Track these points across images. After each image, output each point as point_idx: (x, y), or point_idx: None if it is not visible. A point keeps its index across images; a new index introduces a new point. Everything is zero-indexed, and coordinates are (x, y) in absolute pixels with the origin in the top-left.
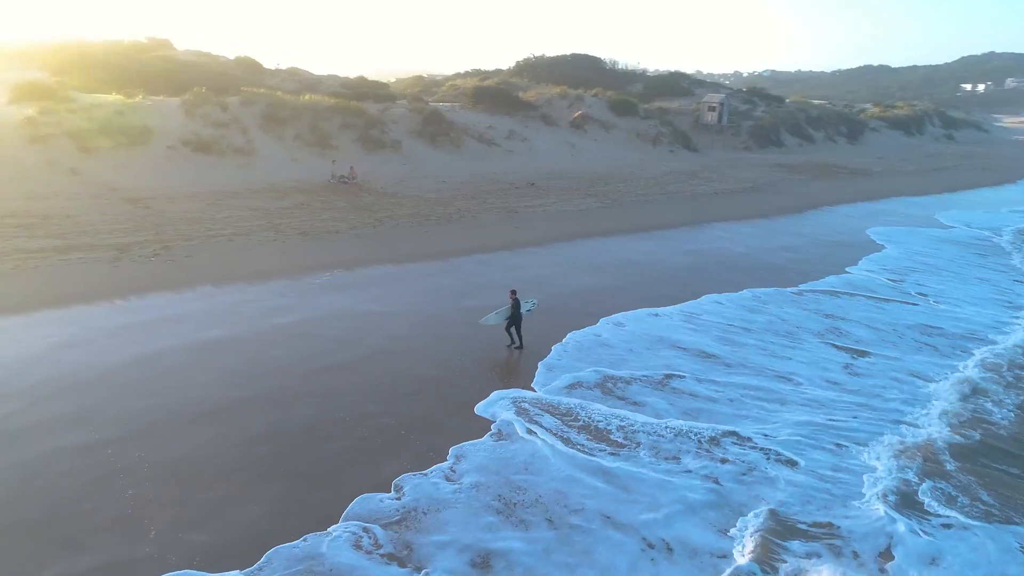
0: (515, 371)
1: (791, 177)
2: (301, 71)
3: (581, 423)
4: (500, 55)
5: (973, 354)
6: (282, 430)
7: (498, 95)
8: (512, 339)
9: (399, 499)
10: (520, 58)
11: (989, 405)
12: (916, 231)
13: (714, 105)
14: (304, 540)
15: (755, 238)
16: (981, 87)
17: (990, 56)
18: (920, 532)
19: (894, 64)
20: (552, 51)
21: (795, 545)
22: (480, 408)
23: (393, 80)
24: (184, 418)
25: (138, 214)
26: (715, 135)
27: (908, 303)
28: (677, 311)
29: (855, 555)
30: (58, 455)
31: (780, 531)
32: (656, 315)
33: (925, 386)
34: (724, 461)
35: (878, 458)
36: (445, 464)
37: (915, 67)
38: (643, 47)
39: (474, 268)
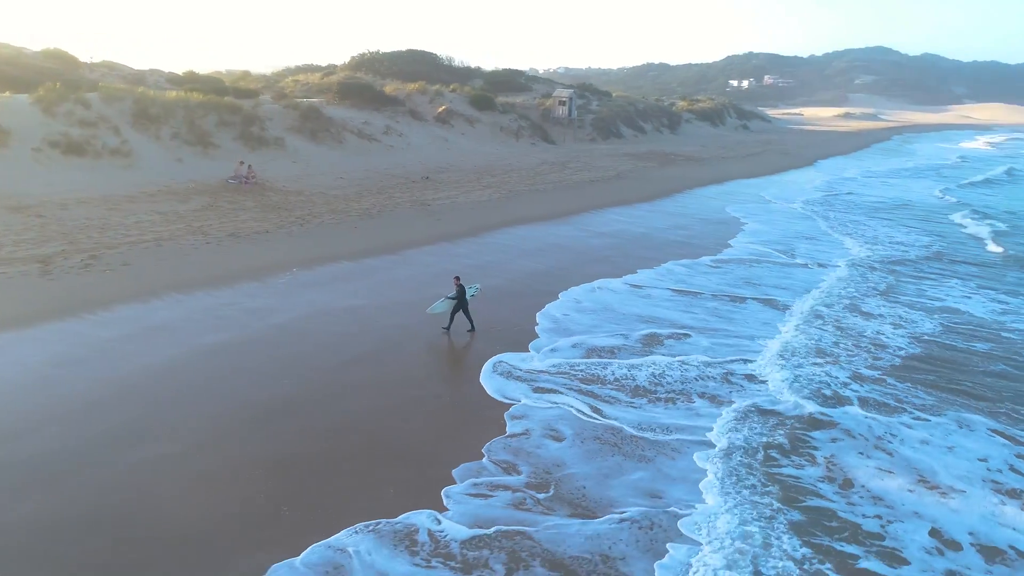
0: (519, 341)
1: (643, 165)
2: (119, 65)
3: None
4: (326, 51)
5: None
6: (356, 419)
7: (364, 90)
8: (451, 324)
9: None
10: (355, 53)
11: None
12: (765, 207)
13: (564, 100)
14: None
15: (647, 219)
16: (745, 83)
17: (750, 56)
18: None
19: (671, 63)
20: (384, 47)
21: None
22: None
23: (223, 74)
24: (247, 419)
25: (34, 224)
26: (565, 128)
27: (800, 265)
28: (622, 283)
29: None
30: (148, 467)
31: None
32: (609, 288)
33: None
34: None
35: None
36: (518, 426)
37: (690, 65)
38: (463, 43)
39: (425, 259)
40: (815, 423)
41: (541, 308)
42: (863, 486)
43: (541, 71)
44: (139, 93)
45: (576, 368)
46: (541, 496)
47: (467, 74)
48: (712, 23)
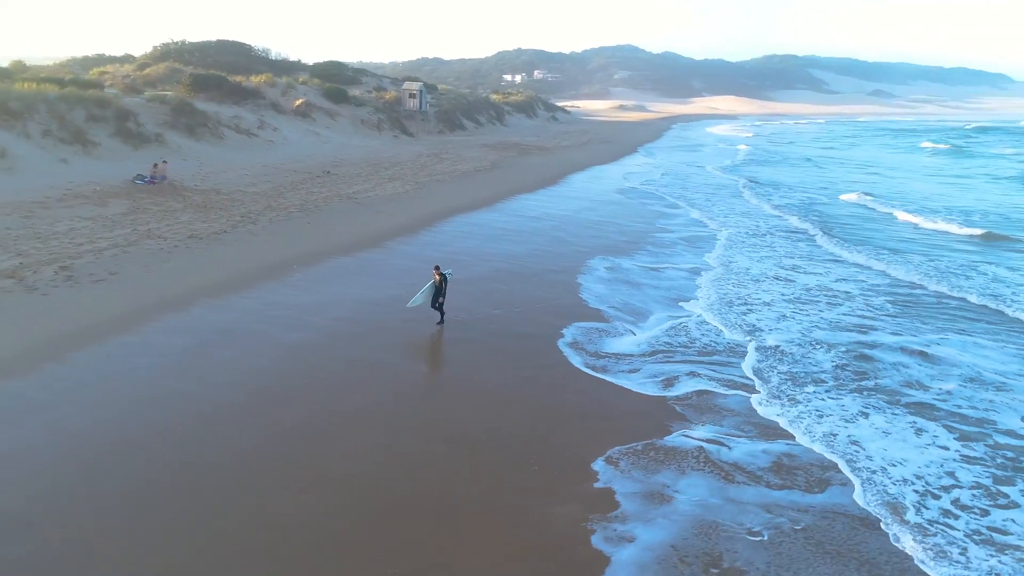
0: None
1: (505, 155)
2: None
3: None
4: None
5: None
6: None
7: (222, 83)
8: (443, 315)
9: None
10: (158, 43)
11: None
12: (651, 186)
13: (414, 93)
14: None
15: (559, 203)
16: (518, 78)
17: (519, 52)
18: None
19: (445, 57)
20: (192, 36)
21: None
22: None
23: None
24: (446, 401)
25: None
26: (417, 121)
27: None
28: (631, 261)
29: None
30: (371, 455)
31: None
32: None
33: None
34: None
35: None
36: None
37: (463, 60)
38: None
39: (408, 249)
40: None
41: (568, 284)
42: None
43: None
44: None
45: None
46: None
47: (287, 67)
48: (481, 19)
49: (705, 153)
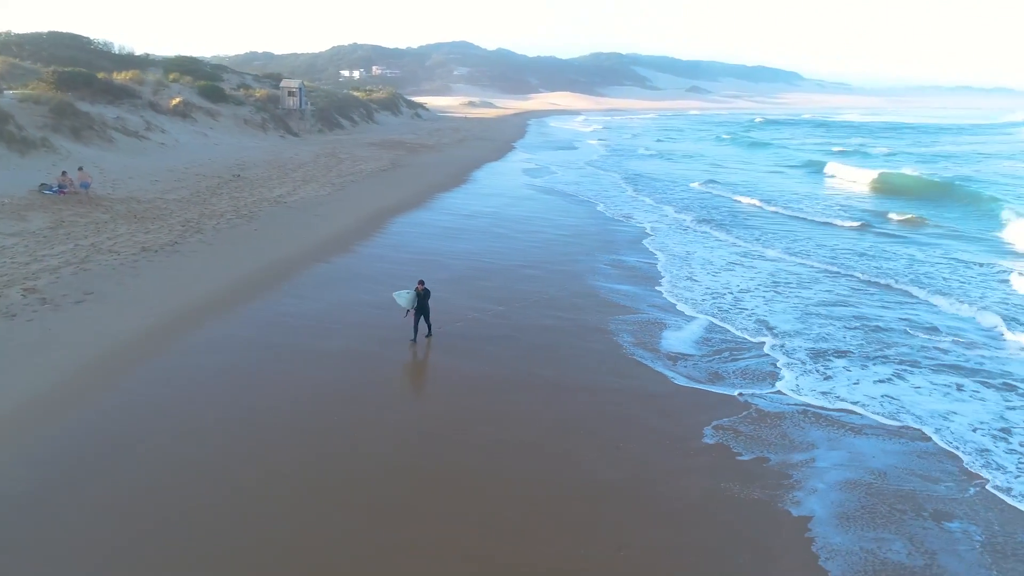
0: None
1: (398, 154)
2: None
3: None
4: None
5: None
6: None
7: (92, 81)
8: (416, 332)
9: None
10: None
11: None
12: (551, 182)
13: (293, 91)
14: None
15: (481, 201)
16: (356, 74)
17: (355, 47)
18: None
19: (276, 52)
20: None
21: None
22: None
23: None
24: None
25: None
26: (298, 120)
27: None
28: None
29: None
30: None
31: None
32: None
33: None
34: None
35: None
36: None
37: (296, 55)
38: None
39: (376, 252)
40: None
41: (547, 279)
42: None
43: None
44: None
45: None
46: None
47: (135, 62)
48: (312, 12)
49: (580, 151)
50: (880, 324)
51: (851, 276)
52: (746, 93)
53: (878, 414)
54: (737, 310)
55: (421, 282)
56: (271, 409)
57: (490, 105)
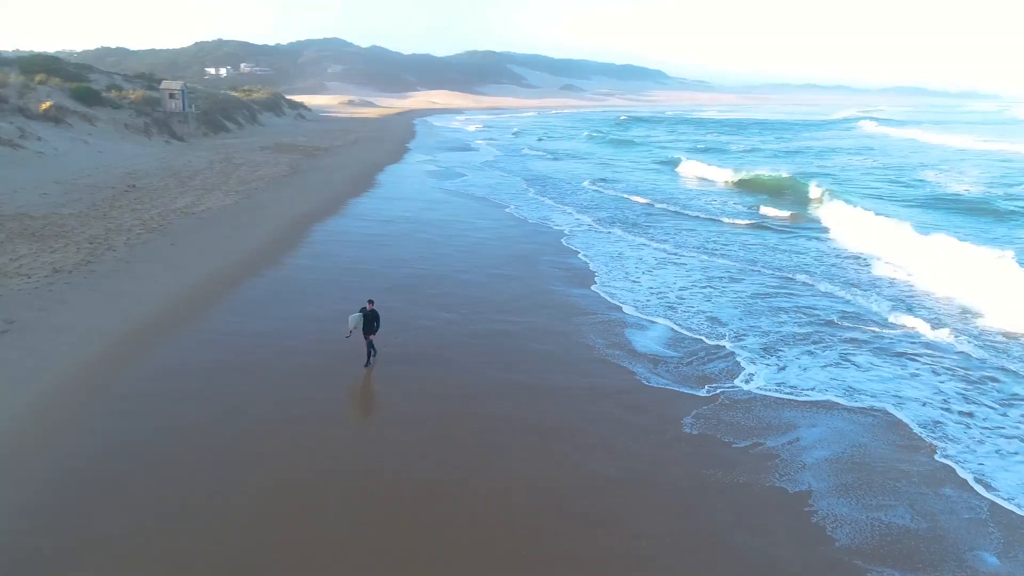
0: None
1: (291, 156)
2: None
3: None
4: None
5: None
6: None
7: None
8: (369, 356)
9: None
10: None
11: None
12: (457, 185)
13: (175, 93)
14: None
15: (396, 205)
16: (223, 71)
17: (221, 43)
18: None
19: (131, 47)
20: None
21: None
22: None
23: None
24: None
25: None
26: (182, 123)
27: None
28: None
29: None
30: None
31: None
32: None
33: None
34: None
35: None
36: None
37: (155, 51)
38: None
39: (307, 263)
40: None
41: (487, 284)
42: None
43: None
44: None
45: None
46: None
47: None
48: (170, 4)
49: (476, 152)
50: (819, 315)
51: (771, 271)
52: (618, 91)
53: (841, 396)
54: (685, 308)
55: (370, 301)
56: (254, 428)
57: (370, 104)
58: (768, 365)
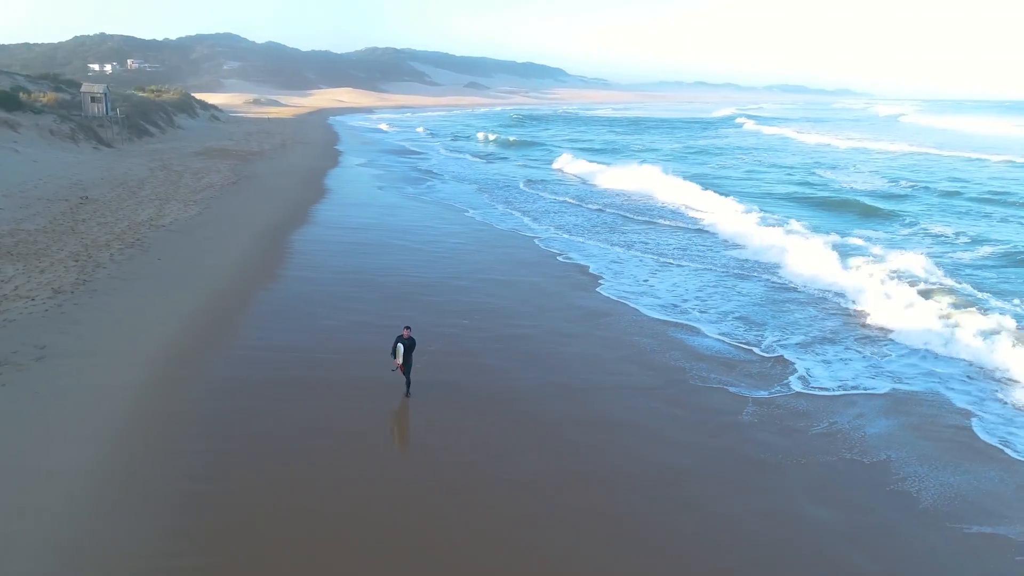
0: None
1: (228, 162)
2: None
3: None
4: None
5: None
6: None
7: None
8: (408, 385)
9: None
10: None
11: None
12: (407, 189)
13: (97, 96)
14: None
15: (359, 212)
16: (108, 67)
17: (104, 37)
18: None
19: (2, 41)
20: None
21: None
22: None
23: None
24: None
25: None
26: (106, 128)
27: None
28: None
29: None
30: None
31: None
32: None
33: None
34: None
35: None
36: None
37: (29, 45)
38: None
39: (305, 274)
40: None
41: (483, 291)
42: None
43: None
44: None
45: None
46: None
47: None
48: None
49: (411, 154)
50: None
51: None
52: (521, 89)
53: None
54: (711, 309)
55: (407, 328)
56: (320, 445)
57: (276, 103)
58: (804, 359)
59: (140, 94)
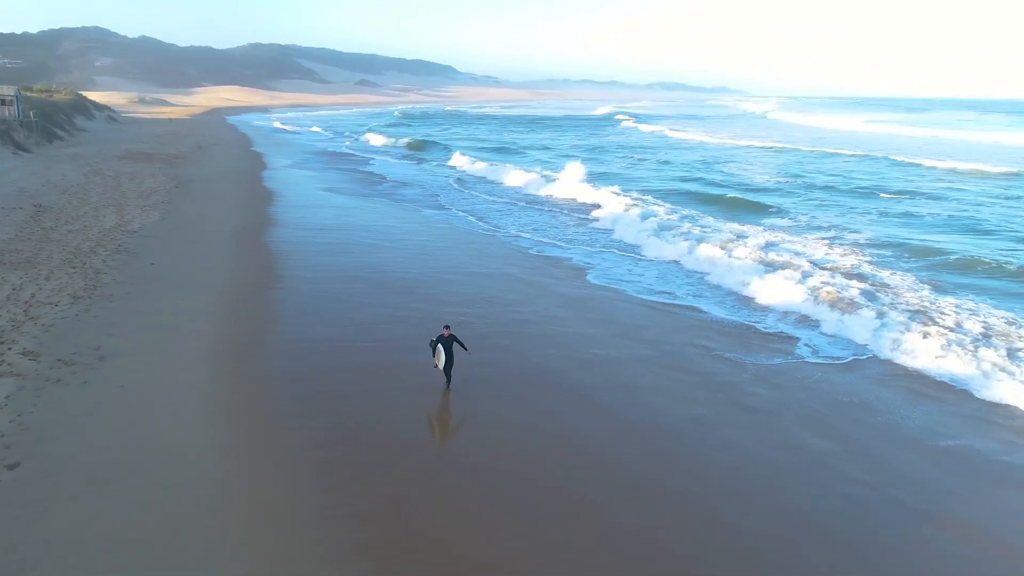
0: None
1: (156, 166)
2: None
3: None
4: None
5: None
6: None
7: None
8: (449, 380)
9: None
10: None
11: None
12: (354, 190)
13: (8, 98)
14: None
15: (319, 214)
16: None
17: None
18: None
19: None
20: None
21: None
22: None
23: None
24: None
25: None
26: (18, 132)
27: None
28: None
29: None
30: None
31: None
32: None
33: None
34: None
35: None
36: None
37: None
38: None
39: (302, 273)
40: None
41: (478, 284)
42: None
43: None
44: None
45: None
46: None
47: None
48: None
49: (336, 155)
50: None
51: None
52: (414, 87)
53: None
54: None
55: (447, 327)
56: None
57: (163, 102)
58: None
59: (31, 95)
